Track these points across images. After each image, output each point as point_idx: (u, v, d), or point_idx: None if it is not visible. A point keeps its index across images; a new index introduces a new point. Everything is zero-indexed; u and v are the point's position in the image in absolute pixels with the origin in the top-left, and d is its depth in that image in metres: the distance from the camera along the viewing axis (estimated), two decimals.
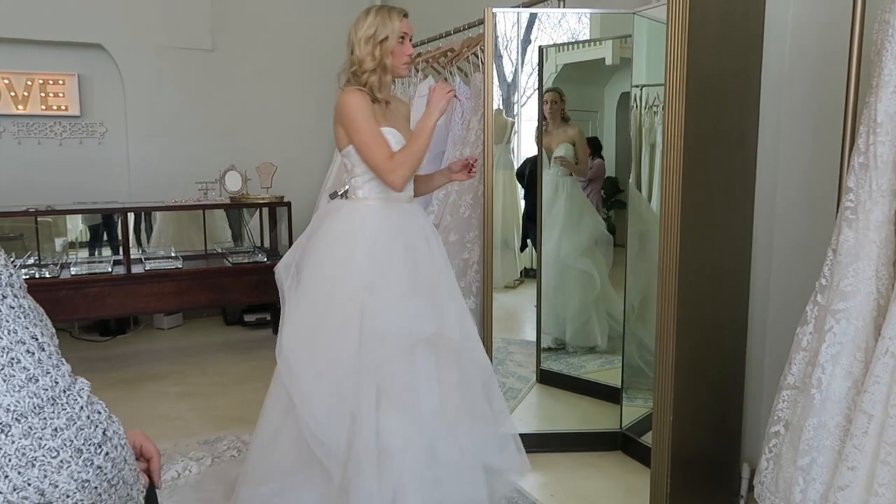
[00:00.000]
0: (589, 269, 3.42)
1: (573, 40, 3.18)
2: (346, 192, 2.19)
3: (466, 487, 1.97)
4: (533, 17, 3.08)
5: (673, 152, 1.93)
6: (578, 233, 3.46)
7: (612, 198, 3.53)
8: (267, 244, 4.88)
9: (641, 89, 2.90)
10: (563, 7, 2.98)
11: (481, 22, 2.85)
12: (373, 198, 2.07)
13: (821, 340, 1.64)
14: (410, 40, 2.09)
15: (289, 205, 4.56)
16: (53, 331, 0.85)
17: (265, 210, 4.83)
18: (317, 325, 1.96)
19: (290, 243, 4.53)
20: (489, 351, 2.68)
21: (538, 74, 3.28)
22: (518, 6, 2.99)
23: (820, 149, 2.17)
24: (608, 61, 3.25)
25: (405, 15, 2.07)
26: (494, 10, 2.68)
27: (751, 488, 2.35)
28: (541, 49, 3.34)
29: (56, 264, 4.14)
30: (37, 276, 3.84)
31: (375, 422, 1.88)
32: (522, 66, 3.45)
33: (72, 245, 4.69)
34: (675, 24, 1.90)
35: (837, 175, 1.89)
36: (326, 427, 1.86)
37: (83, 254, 4.65)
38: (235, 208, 4.83)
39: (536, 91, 3.32)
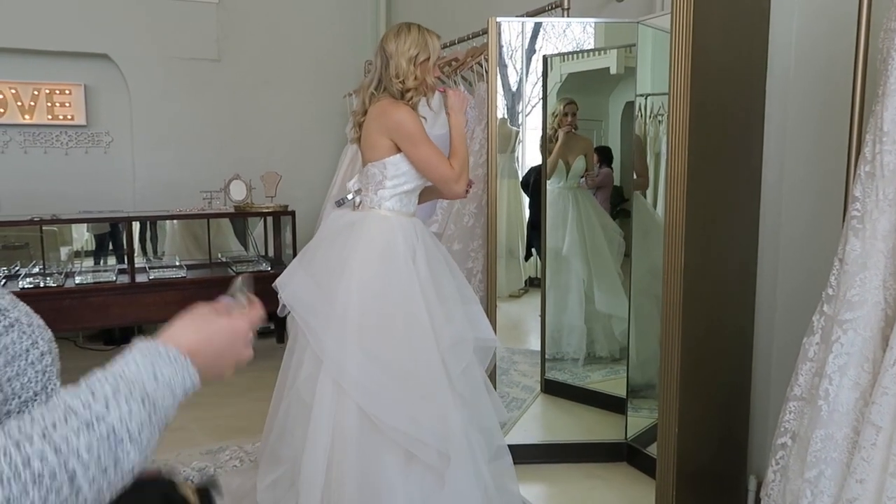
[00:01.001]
0: (619, 273, 3.43)
1: (578, 49, 3.18)
2: (354, 199, 2.18)
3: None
4: (538, 28, 3.08)
5: (677, 161, 1.91)
6: (608, 241, 3.47)
7: (616, 207, 3.52)
8: (271, 253, 4.88)
9: (646, 98, 2.89)
10: (568, 17, 2.98)
11: (485, 31, 2.85)
12: (397, 210, 2.12)
13: (828, 351, 1.62)
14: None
15: (293, 214, 4.56)
16: (44, 349, 0.80)
17: (269, 219, 4.83)
18: (381, 337, 1.97)
19: (295, 252, 4.53)
20: (493, 360, 2.67)
21: (542, 84, 3.27)
22: (522, 15, 2.99)
23: (826, 156, 2.16)
24: (613, 70, 3.25)
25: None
26: (498, 19, 2.68)
27: (757, 501, 2.32)
28: (545, 58, 3.34)
29: (60, 273, 4.14)
30: (41, 284, 3.85)
31: (459, 417, 1.97)
32: (527, 76, 3.45)
33: (77, 254, 4.70)
34: (679, 31, 1.89)
35: (844, 183, 1.87)
36: (422, 427, 1.89)
37: (88, 263, 4.65)
38: (240, 217, 4.84)
39: (541, 100, 3.32)
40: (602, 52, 3.24)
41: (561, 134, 3.32)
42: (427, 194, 2.27)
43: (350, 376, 1.90)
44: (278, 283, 2.09)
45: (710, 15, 1.95)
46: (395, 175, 2.08)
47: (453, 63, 3.65)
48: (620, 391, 3.08)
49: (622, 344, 3.49)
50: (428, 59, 2.10)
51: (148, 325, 4.86)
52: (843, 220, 1.75)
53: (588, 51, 3.21)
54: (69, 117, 4.67)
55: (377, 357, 1.94)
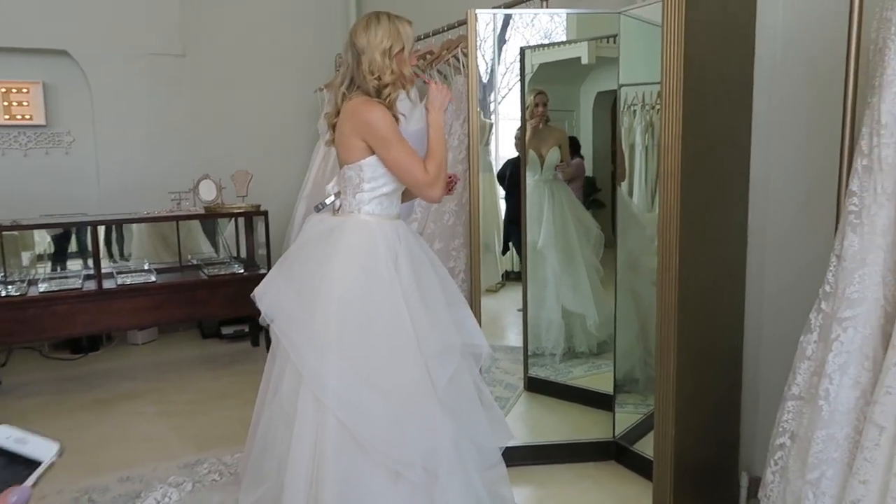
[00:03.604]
0: (598, 267, 3.39)
1: (550, 41, 3.12)
2: (333, 203, 2.09)
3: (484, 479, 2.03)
4: (508, 17, 3.00)
5: (671, 158, 1.86)
6: (584, 234, 3.42)
7: (589, 197, 3.49)
8: (244, 254, 4.75)
9: (620, 89, 2.85)
10: (547, 7, 2.91)
11: (461, 23, 2.78)
12: (377, 214, 2.03)
13: (827, 349, 1.59)
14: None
15: (265, 213, 4.43)
16: None
17: (241, 219, 4.70)
18: (362, 348, 1.88)
19: (268, 253, 4.42)
20: None
21: (520, 76, 3.21)
22: (500, 6, 2.92)
23: (813, 149, 2.13)
24: (584, 60, 3.20)
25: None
26: (477, 11, 2.61)
27: (749, 496, 2.31)
28: (522, 50, 3.27)
29: (23, 281, 3.97)
30: (2, 293, 3.68)
31: (448, 430, 1.89)
32: (498, 66, 3.37)
33: (40, 258, 4.51)
34: (672, 23, 1.84)
35: (833, 176, 1.84)
36: (405, 443, 1.82)
37: (52, 269, 4.47)
38: (210, 218, 4.69)
39: (511, 91, 3.26)
40: (576, 42, 3.17)
41: (528, 127, 3.26)
42: (409, 193, 2.19)
43: (331, 391, 1.82)
44: (256, 293, 1.99)
45: (701, 4, 1.90)
46: (372, 177, 1.99)
47: (428, 56, 3.57)
48: (603, 386, 3.05)
49: (599, 338, 3.46)
50: (403, 49, 1.98)
51: (117, 333, 4.72)
52: (837, 216, 1.72)
53: (564, 43, 3.15)
54: (27, 117, 4.48)
55: (358, 370, 1.86)
